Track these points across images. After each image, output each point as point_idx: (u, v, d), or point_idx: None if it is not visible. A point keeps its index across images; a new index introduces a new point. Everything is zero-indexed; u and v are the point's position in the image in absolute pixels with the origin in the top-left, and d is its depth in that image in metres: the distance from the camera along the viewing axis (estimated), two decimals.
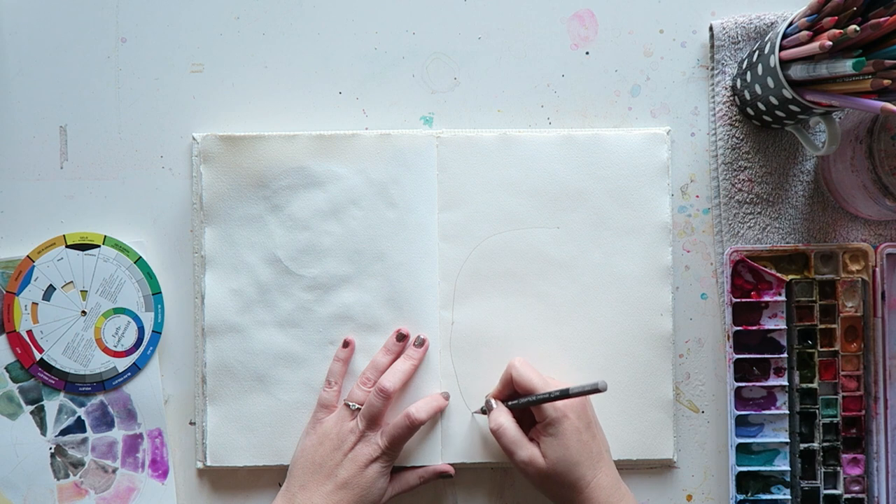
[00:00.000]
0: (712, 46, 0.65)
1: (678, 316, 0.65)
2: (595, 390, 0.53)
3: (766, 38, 0.58)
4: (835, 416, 0.63)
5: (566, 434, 0.55)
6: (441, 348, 0.63)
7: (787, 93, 0.55)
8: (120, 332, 0.64)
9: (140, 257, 0.64)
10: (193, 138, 0.64)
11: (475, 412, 0.63)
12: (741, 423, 0.63)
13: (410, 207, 0.63)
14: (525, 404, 0.57)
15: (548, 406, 0.56)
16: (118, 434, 0.64)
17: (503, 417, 0.58)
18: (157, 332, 0.64)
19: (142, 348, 0.64)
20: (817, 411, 0.63)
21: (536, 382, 0.57)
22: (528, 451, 0.56)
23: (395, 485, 0.61)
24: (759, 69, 0.58)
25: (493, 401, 0.60)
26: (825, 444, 0.63)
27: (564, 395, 0.54)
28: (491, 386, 0.63)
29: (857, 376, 0.63)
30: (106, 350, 0.64)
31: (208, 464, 0.63)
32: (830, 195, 0.64)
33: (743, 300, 0.63)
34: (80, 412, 0.64)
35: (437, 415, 0.62)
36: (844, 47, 0.52)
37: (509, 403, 0.59)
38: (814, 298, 0.63)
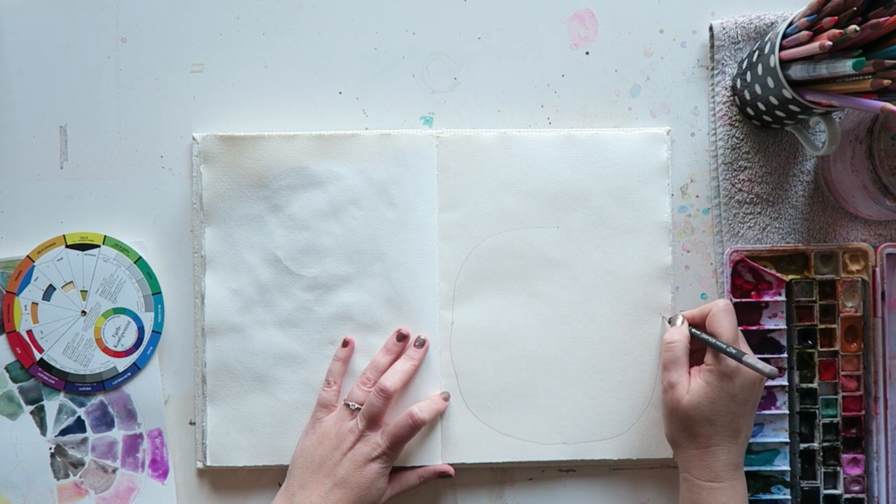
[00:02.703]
0: (712, 46, 0.65)
1: None
2: (766, 374, 0.53)
3: (766, 38, 0.58)
4: (835, 416, 0.63)
5: (722, 392, 0.55)
6: (441, 348, 0.63)
7: (787, 93, 0.55)
8: (120, 332, 0.64)
9: (140, 257, 0.64)
10: (193, 138, 0.64)
11: (664, 316, 0.63)
12: None
13: (410, 207, 0.63)
14: (707, 342, 0.57)
15: (726, 358, 0.55)
16: (118, 434, 0.64)
17: (679, 335, 0.58)
18: (157, 332, 0.64)
19: (142, 348, 0.64)
20: (817, 411, 0.63)
21: (726, 334, 0.56)
22: (679, 376, 0.56)
23: (395, 485, 0.61)
24: (759, 69, 0.58)
25: (682, 318, 0.60)
26: (825, 444, 0.63)
27: (737, 357, 0.54)
28: (491, 386, 0.63)
29: (857, 376, 0.63)
30: (106, 350, 0.64)
31: (208, 464, 0.63)
32: (830, 195, 0.64)
33: (743, 300, 0.63)
34: (80, 412, 0.64)
35: (438, 415, 0.62)
36: (844, 47, 0.52)
37: (696, 333, 0.59)
38: (814, 298, 0.63)
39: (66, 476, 0.64)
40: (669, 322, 0.62)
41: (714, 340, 0.56)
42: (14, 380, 0.64)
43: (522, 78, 0.66)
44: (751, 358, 0.54)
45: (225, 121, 0.65)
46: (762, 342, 0.63)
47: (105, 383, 0.64)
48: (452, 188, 0.64)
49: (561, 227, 0.64)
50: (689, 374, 0.57)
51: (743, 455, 0.57)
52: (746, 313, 0.63)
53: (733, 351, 0.55)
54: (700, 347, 0.58)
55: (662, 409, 0.58)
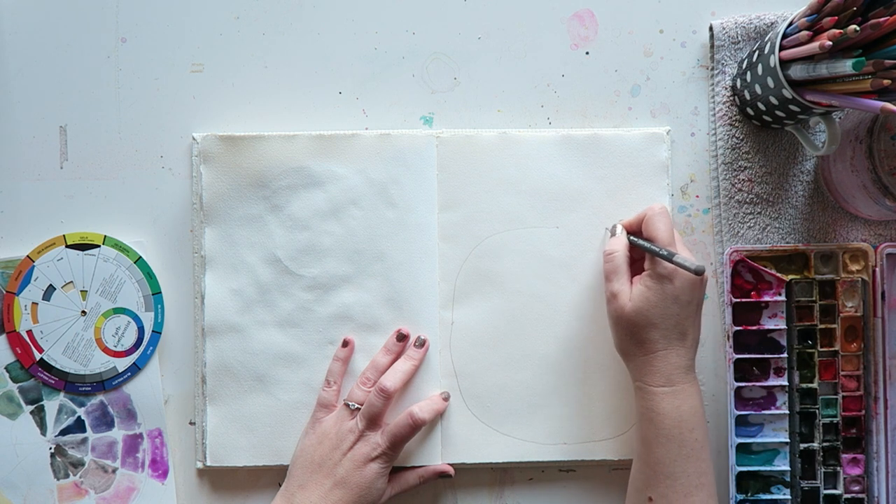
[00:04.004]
0: (712, 46, 0.65)
1: None
2: (693, 270, 0.52)
3: (766, 38, 0.58)
4: (835, 416, 0.63)
5: (661, 294, 0.54)
6: (441, 348, 0.63)
7: (787, 93, 0.55)
8: (120, 332, 0.64)
9: (140, 257, 0.64)
10: (193, 138, 0.64)
11: (606, 228, 0.63)
12: (741, 423, 0.63)
13: (410, 207, 0.63)
14: (641, 246, 0.57)
15: (663, 260, 0.55)
16: (118, 434, 0.64)
17: (619, 245, 0.58)
18: (157, 332, 0.64)
19: (142, 348, 0.64)
20: (817, 411, 0.63)
21: (662, 236, 0.56)
22: (621, 285, 0.56)
23: (395, 485, 0.61)
24: (759, 69, 0.58)
25: (620, 227, 0.60)
26: (825, 444, 0.63)
27: (667, 257, 0.54)
28: (491, 386, 0.63)
29: (857, 376, 0.63)
30: (106, 350, 0.64)
31: (208, 464, 0.63)
32: (830, 195, 0.64)
33: (743, 300, 0.63)
34: (80, 412, 0.64)
35: (437, 415, 0.62)
36: (844, 47, 0.52)
37: (632, 239, 0.59)
38: (814, 298, 0.63)
39: (66, 476, 0.64)
40: (612, 234, 0.62)
41: (648, 244, 0.56)
42: (14, 380, 0.64)
43: (522, 78, 0.66)
44: (680, 257, 0.54)
45: (225, 121, 0.65)
46: (762, 342, 0.63)
47: (105, 383, 0.64)
48: (452, 188, 0.64)
49: (561, 227, 0.64)
50: (632, 282, 0.57)
51: (693, 358, 0.56)
52: (746, 313, 0.63)
53: (664, 252, 0.54)
54: (642, 256, 0.58)
55: (609, 321, 0.58)
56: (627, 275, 0.57)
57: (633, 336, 0.55)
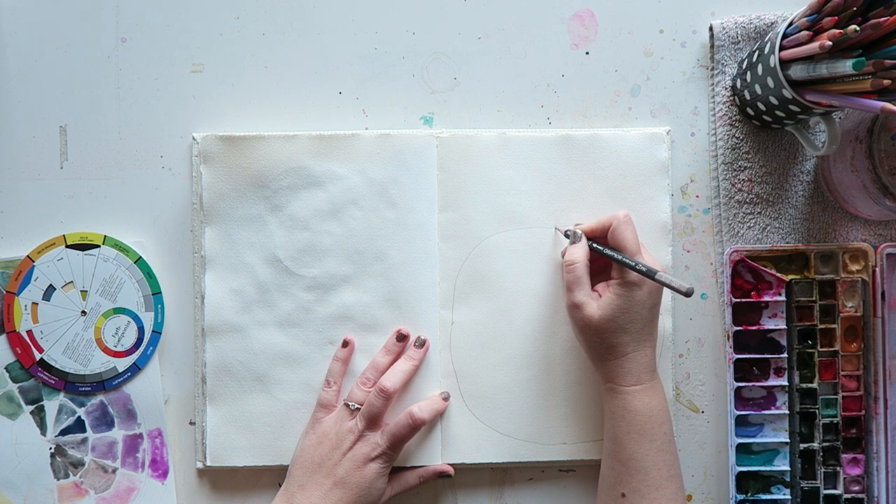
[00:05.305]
0: (712, 46, 0.65)
1: (678, 316, 0.65)
2: (679, 290, 0.53)
3: (766, 38, 0.58)
4: (835, 416, 0.63)
5: (632, 301, 0.55)
6: (441, 348, 0.63)
7: (787, 93, 0.55)
8: (120, 332, 0.64)
9: (140, 257, 0.64)
10: (193, 138, 0.64)
11: (559, 230, 0.63)
12: (741, 423, 0.63)
13: (410, 207, 0.63)
14: (609, 257, 0.57)
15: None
16: (118, 434, 0.64)
17: (580, 254, 0.58)
18: (157, 332, 0.64)
19: (142, 348, 0.64)
20: (817, 411, 0.63)
21: (631, 246, 0.57)
22: (584, 295, 0.57)
23: (395, 485, 0.61)
24: (759, 69, 0.58)
25: (580, 233, 0.60)
26: (825, 444, 0.63)
27: (649, 275, 0.55)
28: (491, 386, 0.63)
29: (857, 376, 0.63)
30: (106, 350, 0.64)
31: (208, 464, 0.63)
32: (830, 195, 0.64)
33: (743, 300, 0.63)
34: (80, 412, 0.64)
35: (437, 415, 0.62)
36: (844, 47, 0.52)
37: (593, 245, 0.59)
38: (814, 298, 0.63)
39: (66, 476, 0.64)
40: (566, 235, 0.62)
41: (621, 257, 0.56)
42: (14, 380, 0.64)
43: (522, 78, 0.66)
44: (665, 276, 0.54)
45: (225, 121, 0.65)
46: (762, 342, 0.63)
47: (105, 383, 0.64)
48: (452, 188, 0.64)
49: (561, 228, 0.64)
50: (595, 290, 0.58)
51: (655, 356, 0.58)
52: (746, 313, 0.63)
53: (644, 269, 0.55)
54: (595, 258, 0.59)
55: (574, 330, 0.59)
56: (589, 284, 0.58)
57: (603, 342, 0.56)
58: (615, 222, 0.58)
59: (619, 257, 0.56)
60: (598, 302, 0.57)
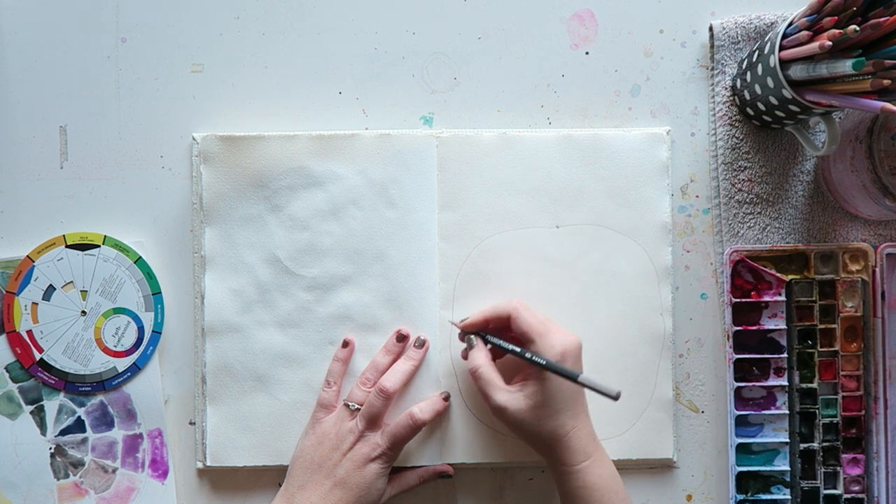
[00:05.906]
0: (712, 46, 0.65)
1: (678, 316, 0.65)
2: (613, 397, 0.52)
3: (766, 38, 0.58)
4: (835, 416, 0.63)
5: (552, 387, 0.55)
6: (441, 348, 0.63)
7: (787, 93, 0.55)
8: (120, 332, 0.64)
9: (140, 257, 0.64)
10: (193, 138, 0.64)
11: (450, 321, 0.61)
12: (741, 423, 0.63)
13: (410, 207, 0.63)
14: (512, 353, 0.56)
15: (545, 350, 0.55)
16: (118, 434, 0.64)
17: (482, 358, 0.57)
18: (157, 332, 0.64)
19: (142, 348, 0.64)
20: (817, 411, 0.63)
21: (536, 330, 0.56)
22: (503, 396, 0.56)
23: (395, 485, 0.61)
24: (759, 69, 0.58)
25: (475, 339, 0.59)
26: (825, 444, 0.63)
27: (571, 377, 0.54)
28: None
29: (857, 376, 0.63)
30: (106, 350, 0.64)
31: (208, 464, 0.63)
32: (830, 195, 0.64)
33: (743, 300, 0.63)
34: (80, 412, 0.64)
35: (438, 416, 0.62)
36: (844, 47, 0.52)
37: (492, 341, 0.58)
38: (814, 298, 0.63)
39: (66, 476, 0.64)
40: (461, 337, 0.60)
41: (520, 352, 0.56)
42: (14, 380, 0.64)
43: (522, 78, 0.66)
44: (590, 380, 0.53)
45: (225, 121, 0.65)
46: (762, 342, 0.63)
47: (105, 383, 0.64)
48: (452, 188, 0.64)
49: (561, 227, 0.64)
50: (510, 386, 0.56)
51: (591, 423, 0.57)
52: (746, 313, 0.63)
53: (568, 371, 0.54)
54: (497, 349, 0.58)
55: (508, 428, 0.57)
56: (503, 383, 0.57)
57: (542, 430, 0.55)
58: (514, 313, 0.57)
59: (520, 352, 0.56)
60: (522, 393, 0.55)
